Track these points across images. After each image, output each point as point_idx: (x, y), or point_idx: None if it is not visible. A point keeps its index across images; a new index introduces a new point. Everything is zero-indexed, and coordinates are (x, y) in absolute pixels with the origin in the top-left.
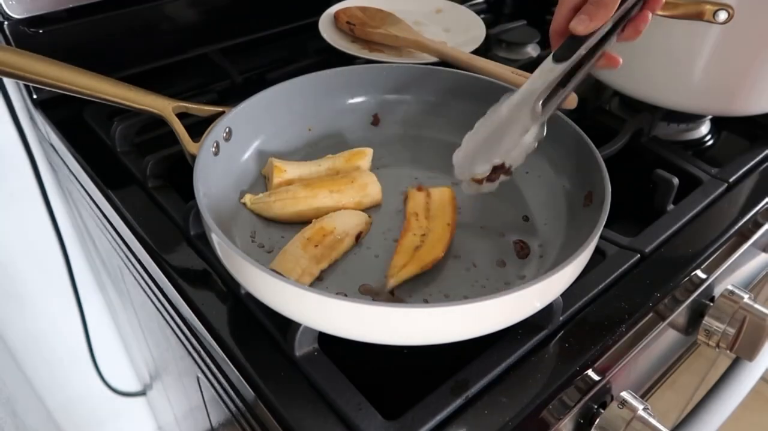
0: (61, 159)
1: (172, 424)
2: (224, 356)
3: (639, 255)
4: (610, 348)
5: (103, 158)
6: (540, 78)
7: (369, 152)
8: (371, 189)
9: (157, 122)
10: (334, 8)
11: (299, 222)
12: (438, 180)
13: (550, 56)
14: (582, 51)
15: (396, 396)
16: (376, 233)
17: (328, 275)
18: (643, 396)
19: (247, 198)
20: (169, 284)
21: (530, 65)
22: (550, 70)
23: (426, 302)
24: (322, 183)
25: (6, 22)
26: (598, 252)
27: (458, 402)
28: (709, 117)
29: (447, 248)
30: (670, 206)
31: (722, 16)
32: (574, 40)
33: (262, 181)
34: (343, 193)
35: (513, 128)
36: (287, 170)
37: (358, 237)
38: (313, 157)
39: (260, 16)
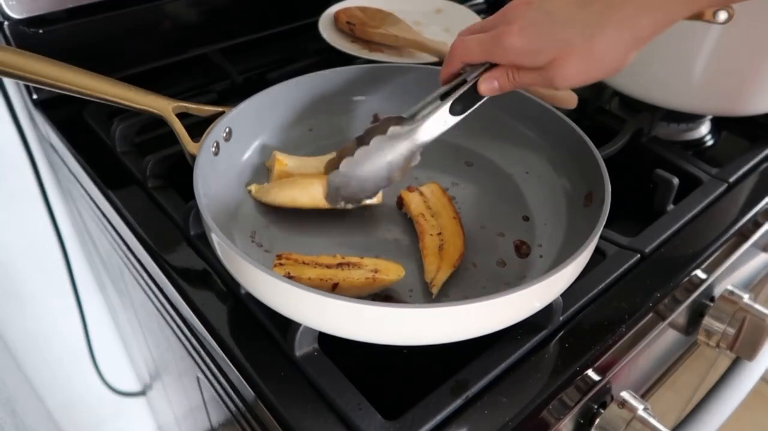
0: (61, 159)
1: (172, 424)
2: (224, 356)
3: (639, 255)
4: (610, 348)
5: (103, 158)
6: (433, 129)
7: None
8: None
9: (157, 122)
10: (334, 8)
11: (296, 209)
12: (438, 180)
13: (447, 106)
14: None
15: (396, 396)
16: (375, 234)
17: None
18: (643, 396)
19: (253, 187)
20: (169, 284)
21: None
22: (444, 122)
23: (426, 302)
24: (322, 175)
25: (6, 22)
26: (598, 252)
27: (458, 402)
28: (709, 117)
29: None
30: (670, 206)
31: (722, 16)
32: (475, 95)
33: (261, 182)
34: None
35: (396, 161)
36: (288, 164)
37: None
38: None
39: (260, 16)
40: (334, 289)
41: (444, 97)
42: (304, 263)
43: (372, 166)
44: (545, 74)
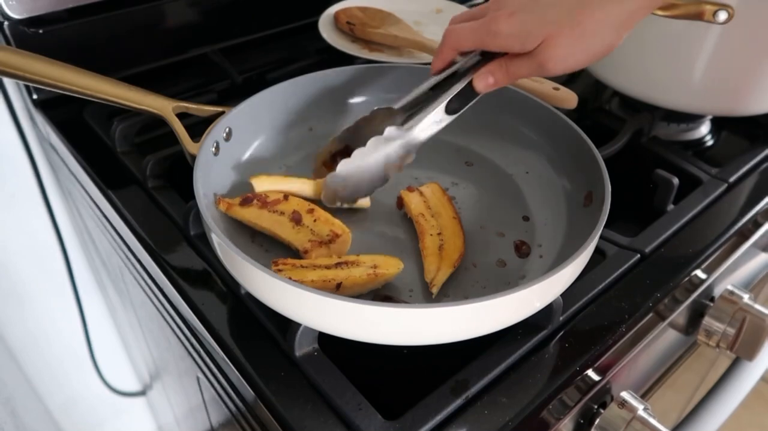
0: (61, 159)
1: (172, 424)
2: (224, 356)
3: (639, 255)
4: (610, 348)
5: (103, 158)
6: (429, 128)
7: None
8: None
9: (157, 122)
10: (334, 8)
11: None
12: (438, 180)
13: (443, 105)
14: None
15: (396, 396)
16: (374, 234)
17: None
18: (643, 396)
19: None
20: (169, 284)
21: None
22: (440, 121)
23: (426, 302)
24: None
25: (6, 22)
26: (598, 252)
27: (458, 402)
28: (709, 117)
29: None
30: (670, 206)
31: (722, 16)
32: (471, 92)
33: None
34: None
35: (392, 160)
36: (264, 187)
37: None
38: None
39: (260, 16)
40: (338, 289)
41: (436, 89)
42: (302, 266)
43: (369, 167)
44: (537, 59)
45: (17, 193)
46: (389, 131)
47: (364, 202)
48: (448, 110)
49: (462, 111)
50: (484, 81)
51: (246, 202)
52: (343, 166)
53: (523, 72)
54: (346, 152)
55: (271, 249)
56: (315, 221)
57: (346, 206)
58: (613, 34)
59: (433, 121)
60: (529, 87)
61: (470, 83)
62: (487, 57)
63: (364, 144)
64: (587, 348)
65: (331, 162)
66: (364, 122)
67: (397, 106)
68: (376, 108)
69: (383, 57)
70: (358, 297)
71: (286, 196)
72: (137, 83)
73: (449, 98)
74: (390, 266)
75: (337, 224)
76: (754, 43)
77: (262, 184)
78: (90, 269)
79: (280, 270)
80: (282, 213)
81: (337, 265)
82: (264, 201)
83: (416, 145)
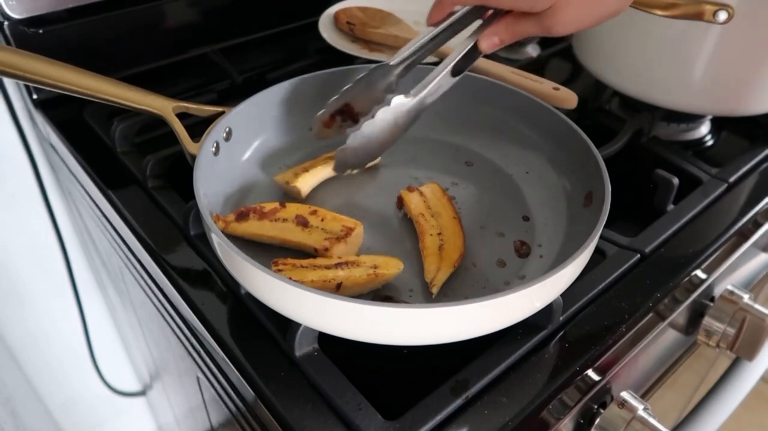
0: (61, 159)
1: (172, 424)
2: (224, 356)
3: (639, 255)
4: (610, 348)
5: (103, 158)
6: (435, 92)
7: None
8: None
9: (157, 122)
10: (334, 8)
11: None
12: (438, 180)
13: (449, 69)
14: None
15: (396, 396)
16: (374, 234)
17: None
18: (643, 396)
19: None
20: (169, 284)
21: (530, 65)
22: (446, 84)
23: (426, 302)
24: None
25: (6, 22)
26: (598, 252)
27: (458, 402)
28: (709, 117)
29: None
30: (670, 206)
31: (722, 16)
32: (475, 52)
33: (261, 182)
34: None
35: (400, 125)
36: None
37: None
38: (313, 157)
39: (260, 16)
40: (338, 289)
41: (435, 40)
42: (302, 266)
43: (378, 135)
44: (544, 21)
45: (17, 193)
46: (396, 100)
47: (375, 161)
48: (453, 72)
49: (466, 71)
50: (489, 41)
51: (242, 216)
52: (353, 139)
53: (529, 32)
54: (347, 111)
55: (271, 249)
56: (322, 220)
57: (356, 172)
58: None
59: (440, 85)
60: (529, 87)
61: (474, 44)
62: (486, 10)
63: (363, 102)
64: (587, 348)
65: (330, 120)
66: (364, 80)
67: (394, 61)
68: (373, 66)
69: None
70: (358, 297)
71: (283, 203)
72: (137, 83)
73: (455, 61)
74: (390, 266)
75: (347, 219)
76: (754, 43)
77: (303, 182)
78: (90, 269)
79: (280, 270)
80: (285, 220)
81: (337, 265)
82: (261, 212)
83: (423, 109)
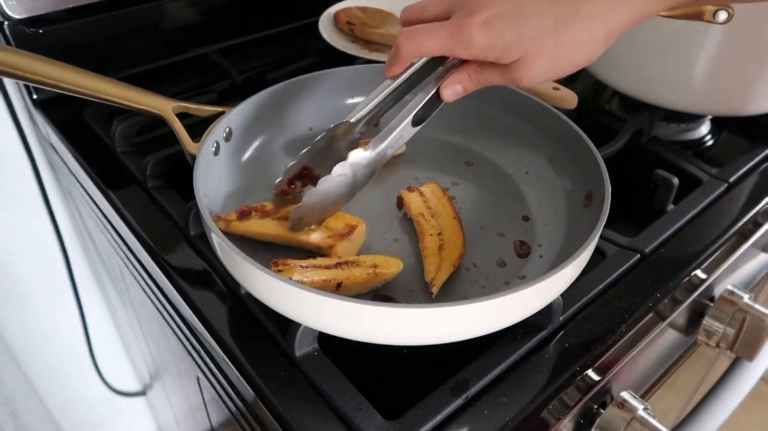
0: (61, 159)
1: (172, 424)
2: (224, 356)
3: (639, 255)
4: (610, 348)
5: (103, 158)
6: (394, 145)
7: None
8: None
9: (157, 122)
10: (334, 8)
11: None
12: (438, 180)
13: (409, 119)
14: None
15: (396, 396)
16: (374, 234)
17: None
18: (643, 396)
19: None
20: (169, 284)
21: None
22: (406, 135)
23: (426, 302)
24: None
25: (6, 22)
26: (598, 252)
27: (458, 402)
28: (709, 117)
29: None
30: (670, 206)
31: (722, 16)
32: (436, 101)
33: (261, 181)
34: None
35: (359, 180)
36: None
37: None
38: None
39: (260, 16)
40: (338, 289)
41: (395, 95)
42: (302, 266)
43: (335, 191)
44: (511, 73)
45: (17, 193)
46: (354, 155)
47: (401, 149)
48: (414, 122)
49: (427, 121)
50: (452, 89)
51: (244, 215)
52: (310, 197)
53: (493, 82)
54: (307, 174)
55: (272, 249)
56: None
57: (314, 227)
58: (593, 51)
59: (401, 135)
60: (529, 87)
61: (435, 93)
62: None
63: (324, 163)
64: (587, 348)
65: (288, 187)
66: (323, 140)
67: (354, 118)
68: (332, 126)
69: (383, 57)
70: (357, 297)
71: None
72: (137, 83)
73: (415, 111)
74: (390, 266)
75: (349, 217)
76: (754, 43)
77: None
78: (90, 269)
79: (279, 270)
80: (287, 219)
81: (337, 265)
82: (263, 211)
83: (383, 162)
